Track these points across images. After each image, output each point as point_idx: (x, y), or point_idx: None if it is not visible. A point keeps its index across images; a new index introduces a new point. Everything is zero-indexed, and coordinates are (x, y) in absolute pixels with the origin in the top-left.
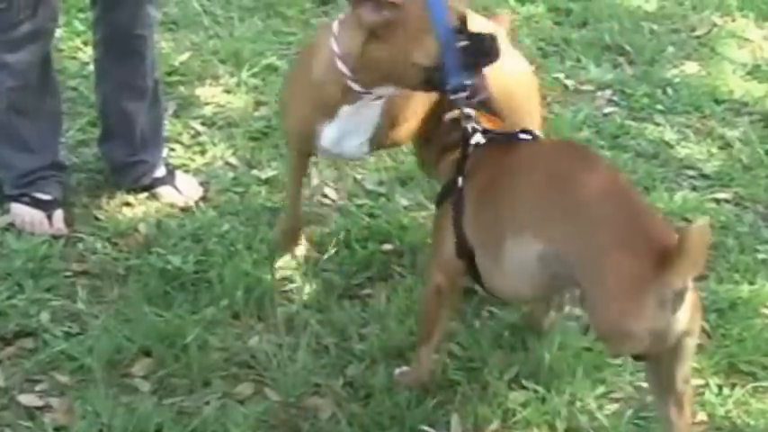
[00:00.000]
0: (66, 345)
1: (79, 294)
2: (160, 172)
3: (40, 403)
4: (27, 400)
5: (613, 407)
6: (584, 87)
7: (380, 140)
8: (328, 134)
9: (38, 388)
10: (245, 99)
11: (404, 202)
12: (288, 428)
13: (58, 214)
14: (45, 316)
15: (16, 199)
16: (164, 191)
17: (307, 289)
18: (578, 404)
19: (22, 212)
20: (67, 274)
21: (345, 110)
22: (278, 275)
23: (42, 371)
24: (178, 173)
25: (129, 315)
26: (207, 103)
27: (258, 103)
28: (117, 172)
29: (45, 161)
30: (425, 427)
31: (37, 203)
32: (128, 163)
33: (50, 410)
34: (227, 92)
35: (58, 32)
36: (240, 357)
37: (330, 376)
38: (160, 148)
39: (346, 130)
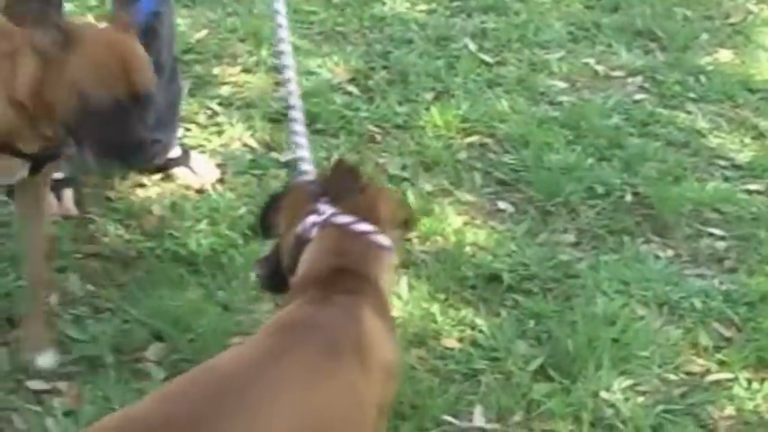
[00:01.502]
0: (76, 328)
1: (90, 277)
2: (175, 152)
3: (47, 387)
4: (35, 384)
5: (640, 399)
6: (615, 73)
7: None
8: None
9: (46, 372)
10: (264, 79)
11: (428, 187)
12: None
13: (68, 194)
14: (54, 299)
15: None
16: (179, 172)
17: None
18: (604, 396)
19: None
20: (78, 256)
21: None
22: None
23: None
24: (194, 154)
25: (141, 299)
26: (224, 83)
27: (278, 84)
28: None
29: None
30: (448, 417)
31: None
32: None
33: (59, 395)
34: (246, 71)
35: (69, 6)
36: None
37: None
38: (175, 128)
39: None
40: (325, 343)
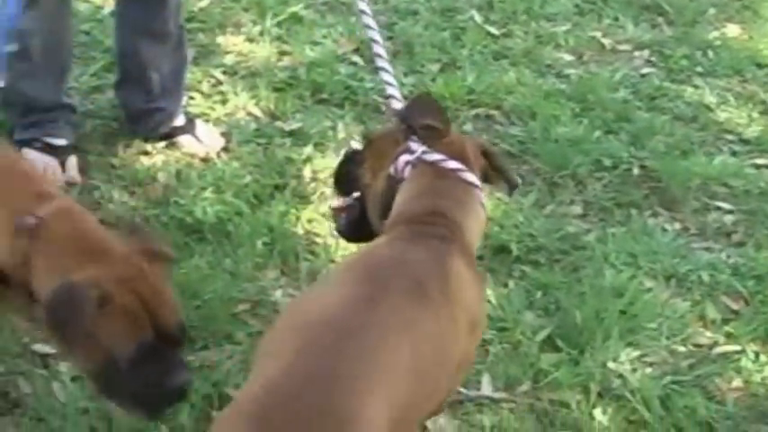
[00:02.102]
0: None
1: None
2: (180, 121)
3: (53, 351)
4: (41, 347)
5: (648, 370)
6: (622, 47)
7: None
8: None
9: None
10: (268, 49)
11: None
12: None
13: (72, 161)
14: None
15: (28, 144)
16: (183, 140)
17: (332, 243)
18: (611, 367)
19: (34, 159)
20: None
21: None
22: (303, 229)
23: None
24: (199, 122)
25: None
26: (228, 52)
27: (282, 53)
28: (133, 119)
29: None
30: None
31: (50, 149)
32: (145, 110)
33: (66, 359)
34: (250, 41)
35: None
36: (264, 311)
37: None
38: (180, 96)
39: None
40: (413, 288)
